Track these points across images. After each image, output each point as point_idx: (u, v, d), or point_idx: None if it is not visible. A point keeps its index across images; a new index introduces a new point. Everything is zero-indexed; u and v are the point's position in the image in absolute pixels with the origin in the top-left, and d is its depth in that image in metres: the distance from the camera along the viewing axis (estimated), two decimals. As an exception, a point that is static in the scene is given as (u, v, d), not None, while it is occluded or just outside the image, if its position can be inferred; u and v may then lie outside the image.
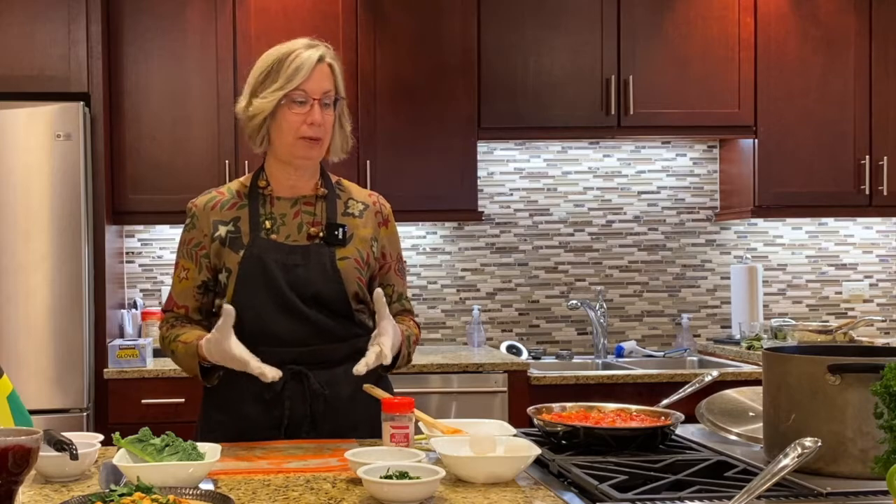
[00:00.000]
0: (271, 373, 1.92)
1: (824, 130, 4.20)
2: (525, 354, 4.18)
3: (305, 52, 2.04)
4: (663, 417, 1.88)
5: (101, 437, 1.83)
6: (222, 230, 2.08)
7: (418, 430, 1.87)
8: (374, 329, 2.03)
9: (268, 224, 2.08)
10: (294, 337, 2.03)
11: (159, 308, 4.23)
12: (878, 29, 4.21)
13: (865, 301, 4.63)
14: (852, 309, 4.63)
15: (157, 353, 3.99)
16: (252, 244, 2.05)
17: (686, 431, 1.96)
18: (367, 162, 4.00)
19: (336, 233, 2.09)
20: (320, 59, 2.04)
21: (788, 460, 1.33)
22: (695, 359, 4.27)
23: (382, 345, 1.95)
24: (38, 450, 1.39)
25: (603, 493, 1.47)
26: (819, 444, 1.36)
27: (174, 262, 2.17)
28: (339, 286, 2.06)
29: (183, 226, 2.15)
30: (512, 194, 4.49)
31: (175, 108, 3.98)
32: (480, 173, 4.34)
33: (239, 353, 1.92)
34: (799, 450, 1.34)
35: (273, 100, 2.02)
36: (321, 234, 2.09)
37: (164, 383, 3.68)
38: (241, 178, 2.19)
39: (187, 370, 2.08)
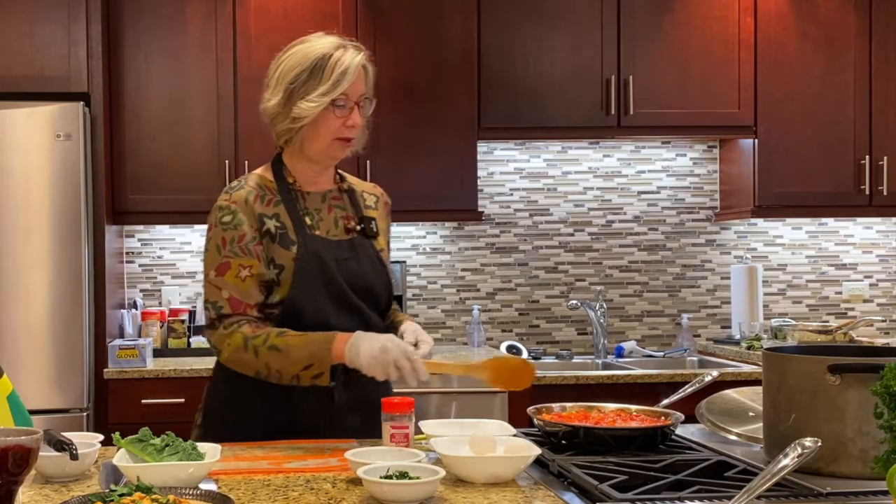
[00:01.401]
0: (424, 375, 1.94)
1: (824, 130, 4.21)
2: (525, 354, 4.18)
3: (347, 54, 2.06)
4: (663, 417, 1.88)
5: (101, 437, 1.82)
6: (269, 224, 2.06)
7: (418, 431, 1.87)
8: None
9: (308, 220, 2.10)
10: (345, 329, 2.03)
11: (159, 308, 4.23)
12: (878, 29, 4.21)
13: (865, 301, 4.63)
14: (852, 309, 4.63)
15: (157, 353, 4.00)
16: (304, 240, 2.06)
17: (686, 431, 1.96)
18: (368, 162, 4.00)
19: (371, 225, 2.16)
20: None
21: (788, 460, 1.33)
22: (695, 359, 4.27)
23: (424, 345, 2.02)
24: (38, 450, 1.39)
25: (603, 493, 1.47)
26: (819, 444, 1.36)
27: (218, 265, 2.04)
28: (386, 278, 2.15)
29: (219, 225, 2.05)
30: (512, 194, 4.49)
31: (175, 108, 3.98)
32: (480, 173, 4.34)
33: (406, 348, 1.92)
34: (799, 450, 1.34)
35: (321, 104, 2.03)
36: (359, 228, 2.14)
37: (164, 383, 3.68)
38: (258, 172, 2.16)
39: (299, 362, 1.95)
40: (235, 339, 2.00)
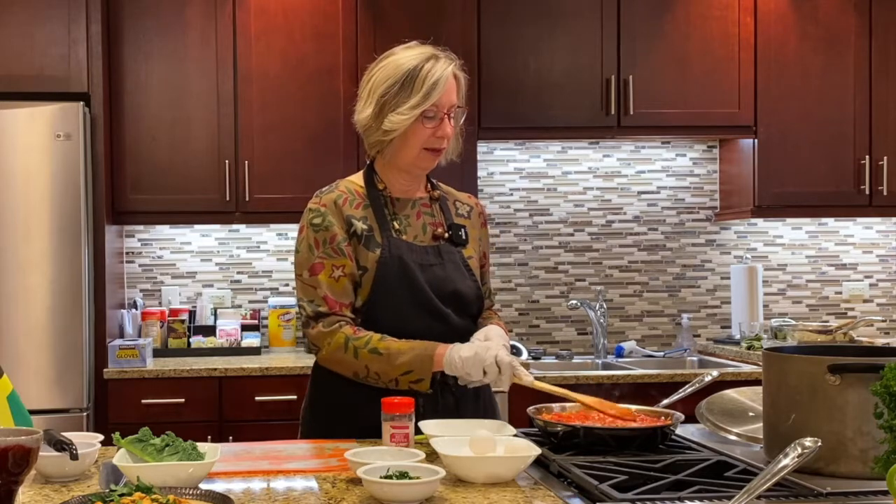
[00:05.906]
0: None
1: (824, 130, 4.21)
2: (525, 354, 4.17)
3: (438, 65, 2.06)
4: (663, 417, 1.88)
5: (101, 437, 1.82)
6: (357, 226, 2.08)
7: (418, 431, 1.87)
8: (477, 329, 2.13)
9: (395, 224, 2.12)
10: (430, 334, 2.03)
11: (159, 308, 4.23)
12: (878, 29, 4.21)
13: (865, 301, 4.63)
14: (852, 309, 4.63)
15: (157, 353, 4.00)
16: (388, 244, 2.07)
17: (686, 431, 1.96)
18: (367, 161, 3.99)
19: (460, 233, 2.17)
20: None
21: (788, 460, 1.33)
22: (695, 359, 4.27)
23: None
24: (38, 450, 1.39)
25: (603, 493, 1.47)
26: (819, 444, 1.36)
27: (311, 265, 2.06)
28: (474, 284, 2.15)
29: (310, 227, 2.08)
30: (512, 194, 4.49)
31: (175, 108, 3.98)
32: (480, 173, 4.34)
33: (507, 358, 1.94)
34: (799, 450, 1.34)
35: (411, 117, 2.04)
36: (447, 235, 2.15)
37: (164, 383, 3.68)
38: (351, 178, 2.19)
39: (400, 367, 1.98)
40: (337, 338, 2.02)
